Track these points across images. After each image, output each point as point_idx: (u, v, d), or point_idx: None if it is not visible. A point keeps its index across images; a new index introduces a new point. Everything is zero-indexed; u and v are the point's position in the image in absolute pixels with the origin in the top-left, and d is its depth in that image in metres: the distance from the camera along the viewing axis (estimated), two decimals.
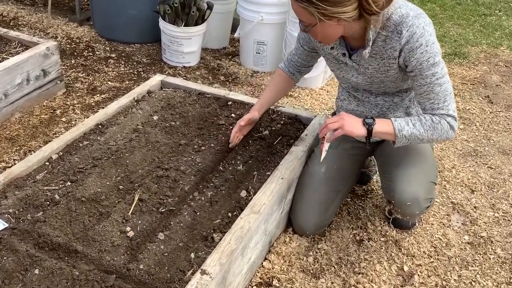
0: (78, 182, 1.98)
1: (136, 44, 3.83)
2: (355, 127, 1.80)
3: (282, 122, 2.39)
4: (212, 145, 2.20)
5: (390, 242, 2.16)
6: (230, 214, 1.86)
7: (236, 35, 3.62)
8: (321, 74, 3.35)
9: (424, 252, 2.13)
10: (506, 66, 3.97)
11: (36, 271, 1.60)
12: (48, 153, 2.13)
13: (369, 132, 1.79)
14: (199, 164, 2.07)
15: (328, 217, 2.14)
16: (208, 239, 1.76)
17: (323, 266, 2.03)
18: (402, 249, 2.13)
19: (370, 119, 1.80)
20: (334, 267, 2.03)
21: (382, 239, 2.18)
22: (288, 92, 2.33)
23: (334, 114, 2.32)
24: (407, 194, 1.95)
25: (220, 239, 1.73)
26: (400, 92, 1.97)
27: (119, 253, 1.68)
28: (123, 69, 3.48)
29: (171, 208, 1.87)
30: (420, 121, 1.77)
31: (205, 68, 3.58)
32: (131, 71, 3.46)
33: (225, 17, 3.81)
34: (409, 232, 2.22)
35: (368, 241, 2.17)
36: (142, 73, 3.45)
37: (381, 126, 1.79)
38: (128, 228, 1.77)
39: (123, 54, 3.68)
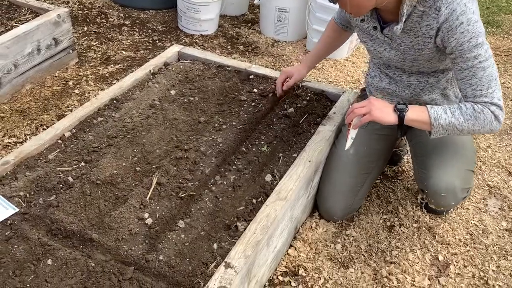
0: (92, 162, 1.86)
1: (151, 11, 3.66)
2: (385, 113, 1.65)
3: (308, 99, 2.24)
4: (234, 123, 2.06)
5: (423, 228, 2.03)
6: (254, 201, 1.74)
7: (256, 1, 3.42)
8: (346, 44, 3.15)
9: (459, 240, 2.00)
10: None
11: (49, 262, 1.50)
12: (61, 131, 2.00)
13: (401, 119, 1.63)
14: (221, 145, 1.94)
15: (357, 202, 2.01)
16: (232, 228, 1.64)
17: (352, 254, 1.91)
18: (436, 236, 2.00)
19: (402, 105, 1.64)
20: (364, 255, 1.91)
21: (414, 225, 2.05)
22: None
23: (363, 90, 2.16)
24: (442, 184, 1.81)
25: (245, 229, 1.61)
26: (436, 73, 1.80)
27: (137, 242, 1.57)
28: (137, 37, 3.32)
29: (191, 193, 1.74)
30: (460, 110, 1.60)
31: (223, 36, 3.41)
32: (145, 39, 3.30)
33: None
34: (443, 217, 2.08)
35: (400, 227, 2.04)
36: (157, 41, 3.29)
37: (415, 113, 1.63)
38: (146, 215, 1.65)
39: (137, 21, 3.51)
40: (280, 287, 1.78)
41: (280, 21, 3.31)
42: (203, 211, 1.68)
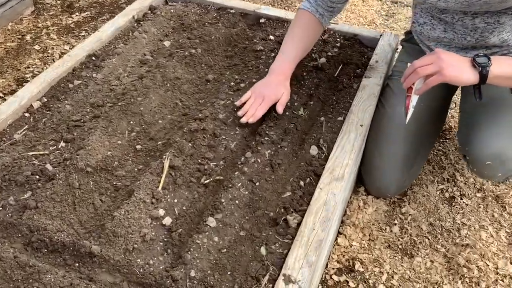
0: (76, 142, 1.38)
1: None
2: (461, 70, 1.23)
3: (338, 45, 1.80)
4: (254, 80, 1.60)
5: (489, 198, 1.67)
6: (302, 183, 1.32)
7: None
8: None
9: None
10: None
11: None
12: (27, 100, 1.50)
13: (483, 77, 1.23)
14: None
15: (414, 174, 1.62)
16: (280, 223, 1.22)
17: (414, 238, 1.54)
18: (507, 207, 1.65)
19: (483, 57, 1.22)
20: (428, 238, 1.54)
21: (478, 194, 1.69)
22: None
23: (408, 33, 1.73)
24: (488, 149, 1.42)
25: (298, 224, 1.20)
26: (510, 9, 1.38)
27: (155, 253, 1.14)
28: None
29: (217, 177, 1.31)
30: None
31: None
32: None
33: None
34: (509, 183, 1.73)
35: (461, 198, 1.67)
36: None
37: (502, 67, 1.22)
38: (161, 212, 1.21)
39: None
40: None
41: None
42: (237, 201, 1.25)
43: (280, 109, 1.47)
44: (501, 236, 1.57)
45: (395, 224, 1.57)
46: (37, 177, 1.29)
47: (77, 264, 1.12)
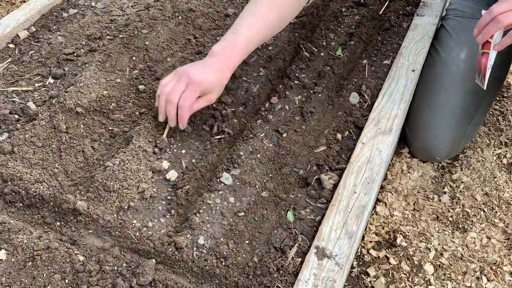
0: (66, 78, 1.15)
1: None
2: None
3: None
4: None
5: None
6: (339, 136, 1.07)
7: None
8: None
9: None
10: None
11: (2, 255, 0.83)
12: (11, 29, 1.26)
13: None
14: (270, 48, 1.24)
15: (470, 134, 1.35)
16: (312, 184, 0.98)
17: (467, 210, 1.29)
18: None
19: None
20: (484, 211, 1.29)
21: None
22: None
23: None
24: None
25: (335, 184, 0.96)
26: None
27: (156, 213, 0.91)
28: None
29: (234, 126, 1.06)
30: None
31: None
32: None
33: None
34: None
35: None
36: None
37: None
38: (165, 164, 0.98)
39: None
40: (375, 266, 1.16)
41: None
42: (259, 155, 1.01)
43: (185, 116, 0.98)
44: None
45: (445, 193, 1.32)
46: (16, 116, 1.06)
47: (58, 223, 0.89)
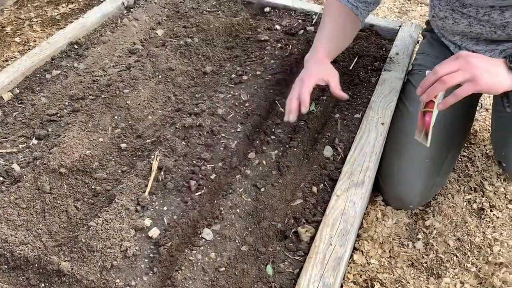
0: (50, 139, 1.18)
1: None
2: (497, 77, 1.01)
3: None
4: (258, 72, 1.41)
5: None
6: (315, 189, 1.11)
7: None
8: None
9: None
10: None
11: None
12: None
13: None
14: (247, 104, 1.29)
15: (439, 182, 1.41)
16: (289, 237, 1.02)
17: (440, 256, 1.34)
18: None
19: None
20: (457, 256, 1.34)
21: (509, 205, 1.49)
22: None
23: (429, 23, 1.54)
24: None
25: (312, 237, 1.00)
26: None
27: (138, 272, 0.93)
28: None
29: (215, 181, 1.10)
30: None
31: None
32: None
33: None
34: None
35: (491, 210, 1.47)
36: None
37: None
38: (147, 222, 1.01)
39: None
40: None
41: None
42: (238, 210, 1.05)
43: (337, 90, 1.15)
44: None
45: (419, 239, 1.37)
46: (1, 178, 1.08)
47: (42, 285, 0.91)
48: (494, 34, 1.27)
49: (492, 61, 1.02)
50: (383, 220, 1.40)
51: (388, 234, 1.36)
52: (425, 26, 1.58)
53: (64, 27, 2.05)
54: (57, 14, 2.16)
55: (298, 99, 1.12)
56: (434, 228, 1.40)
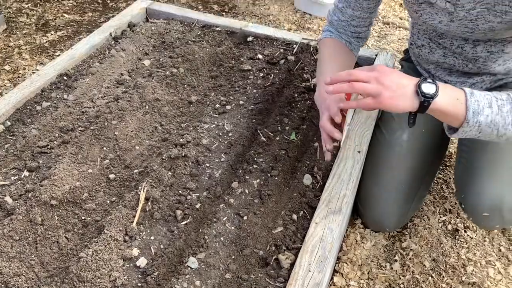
0: (41, 171, 1.23)
1: None
2: (399, 99, 1.03)
3: None
4: (241, 102, 1.47)
5: (495, 231, 1.55)
6: (295, 216, 1.18)
7: None
8: None
9: None
10: None
11: None
12: None
13: (423, 108, 1.04)
14: (230, 134, 1.35)
15: (415, 206, 1.48)
16: (271, 263, 1.07)
17: (417, 276, 1.40)
18: None
19: (431, 85, 1.02)
20: (432, 276, 1.41)
21: None
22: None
23: (406, 52, 1.62)
24: (485, 201, 1.26)
25: (291, 264, 1.06)
26: None
27: None
28: None
29: (201, 210, 1.16)
30: (510, 103, 1.04)
31: None
32: None
33: None
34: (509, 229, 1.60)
35: (465, 231, 1.54)
36: (108, 1, 2.61)
37: (447, 101, 1.03)
38: (135, 252, 1.06)
39: None
40: None
41: None
42: (222, 238, 1.10)
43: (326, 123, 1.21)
44: (510, 272, 1.44)
45: (396, 261, 1.43)
46: None
47: None
48: (465, 67, 1.35)
49: (403, 82, 1.04)
50: (362, 242, 1.46)
51: (366, 256, 1.42)
52: (402, 54, 1.66)
53: (52, 55, 2.11)
54: (46, 42, 2.21)
55: (328, 136, 1.20)
56: (411, 250, 1.47)
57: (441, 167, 1.76)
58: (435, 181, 1.70)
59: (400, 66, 1.65)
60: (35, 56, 2.12)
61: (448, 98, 1.03)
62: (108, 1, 2.60)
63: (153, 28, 1.79)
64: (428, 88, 1.02)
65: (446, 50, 1.36)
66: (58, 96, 1.46)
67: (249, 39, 1.78)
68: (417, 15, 1.27)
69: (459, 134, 1.07)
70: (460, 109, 1.03)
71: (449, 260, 1.46)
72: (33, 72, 2.00)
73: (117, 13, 2.42)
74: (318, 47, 1.46)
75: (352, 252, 1.41)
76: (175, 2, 2.66)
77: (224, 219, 1.14)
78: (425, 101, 1.02)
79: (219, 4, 2.69)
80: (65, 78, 1.54)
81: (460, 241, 1.52)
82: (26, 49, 2.16)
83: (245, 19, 2.56)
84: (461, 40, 1.30)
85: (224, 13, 2.60)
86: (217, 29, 1.81)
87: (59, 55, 2.12)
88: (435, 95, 1.02)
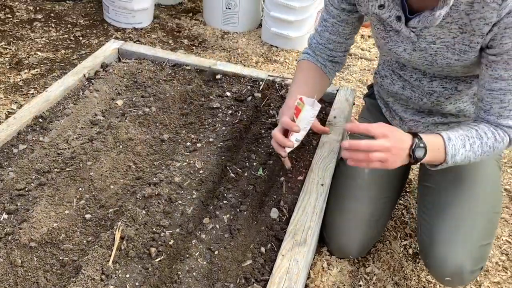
0: (19, 213, 1.28)
1: (68, 1, 3.01)
2: (398, 162, 1.19)
3: None
4: (211, 139, 1.55)
5: None
6: (263, 249, 1.25)
7: None
8: (309, 32, 2.73)
9: (496, 263, 1.64)
10: None
11: None
12: None
13: (412, 164, 1.26)
14: (201, 171, 1.43)
15: (377, 234, 1.57)
16: None
17: None
18: None
19: (421, 149, 1.18)
20: None
21: None
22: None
23: (370, 87, 1.74)
24: (447, 267, 1.34)
25: None
26: (469, 78, 1.39)
27: None
28: (54, 34, 2.68)
29: (174, 247, 1.23)
30: (481, 140, 1.21)
31: (162, 29, 2.85)
32: (66, 36, 2.67)
33: None
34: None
35: None
36: (81, 38, 2.68)
37: (432, 156, 1.20)
38: None
39: (52, 15, 2.86)
40: None
41: (229, 8, 2.81)
42: (195, 273, 1.17)
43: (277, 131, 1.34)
44: None
45: (360, 286, 1.52)
46: None
47: None
48: (420, 100, 1.47)
49: (403, 146, 1.18)
50: (329, 269, 1.54)
51: (333, 282, 1.51)
52: (364, 85, 1.77)
53: (27, 93, 2.17)
54: (20, 80, 2.27)
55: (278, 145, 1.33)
56: (374, 274, 1.56)
57: (402, 193, 1.87)
58: (396, 207, 1.80)
59: (364, 102, 1.77)
60: (9, 95, 2.17)
61: (433, 153, 1.19)
62: (81, 38, 2.67)
63: (125, 68, 1.87)
64: (419, 152, 1.18)
65: (405, 83, 1.48)
66: (34, 138, 1.52)
67: (218, 76, 1.87)
68: (384, 41, 1.37)
69: (438, 168, 1.25)
70: (441, 155, 1.21)
71: (410, 283, 1.55)
72: (8, 112, 2.05)
73: (90, 50, 2.51)
74: (295, 67, 1.56)
75: (319, 279, 1.50)
76: (146, 36, 2.75)
77: (196, 254, 1.21)
78: (415, 161, 1.20)
79: (189, 39, 2.79)
80: (40, 120, 1.60)
81: (420, 264, 1.62)
82: (0, 88, 2.21)
83: (214, 52, 2.66)
84: (420, 73, 1.42)
85: (194, 47, 2.70)
86: (187, 67, 1.90)
87: (33, 93, 2.18)
88: (424, 156, 1.18)
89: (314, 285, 1.48)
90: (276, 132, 1.33)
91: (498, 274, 1.60)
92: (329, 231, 1.52)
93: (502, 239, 1.73)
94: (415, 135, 1.19)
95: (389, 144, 1.15)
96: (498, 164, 1.49)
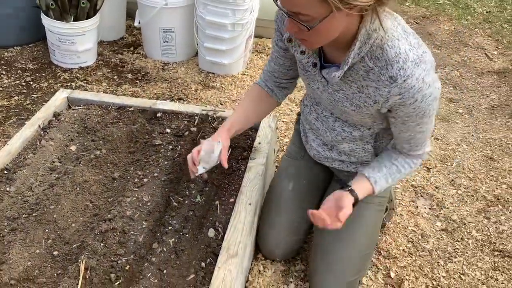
0: None
1: (15, 47, 3.22)
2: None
3: None
4: (156, 174, 1.83)
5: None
6: (203, 264, 1.55)
7: (136, 24, 3.15)
8: (240, 58, 3.04)
9: (403, 250, 1.98)
10: (415, 22, 3.93)
11: None
12: None
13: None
14: (148, 204, 1.71)
15: (301, 239, 1.89)
16: None
17: None
18: (381, 251, 1.97)
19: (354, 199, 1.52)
20: None
21: None
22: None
23: (299, 115, 2.02)
24: None
25: None
26: (363, 127, 1.59)
27: None
28: (6, 81, 2.89)
29: (130, 271, 1.51)
30: (400, 173, 1.57)
31: (106, 66, 3.10)
32: (17, 82, 2.88)
33: (119, 3, 3.31)
34: (382, 230, 2.06)
35: None
36: (31, 83, 2.89)
37: (363, 195, 1.56)
38: None
39: (2, 62, 3.06)
40: None
41: (167, 42, 3.09)
42: None
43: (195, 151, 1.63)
44: (378, 278, 1.87)
45: (291, 282, 1.83)
46: None
47: None
48: (325, 133, 1.69)
49: (350, 211, 1.50)
50: (264, 271, 1.85)
51: (268, 282, 1.81)
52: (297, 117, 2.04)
53: None
54: None
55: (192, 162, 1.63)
56: (302, 271, 1.87)
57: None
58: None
59: (293, 129, 2.04)
60: None
61: (363, 195, 1.55)
62: (31, 83, 2.89)
63: (75, 115, 2.12)
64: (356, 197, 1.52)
65: (318, 115, 1.72)
66: (1, 189, 1.76)
67: (159, 114, 2.14)
68: (304, 76, 1.59)
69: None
70: (370, 193, 1.57)
71: None
72: None
73: (41, 93, 2.73)
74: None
75: (256, 281, 1.80)
76: (92, 75, 2.99)
77: (149, 275, 1.49)
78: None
79: (133, 73, 3.04)
80: (5, 172, 1.84)
81: None
82: None
83: (157, 84, 2.93)
84: (327, 112, 1.66)
85: (138, 81, 2.96)
86: (130, 109, 2.17)
87: None
88: (358, 200, 1.53)
89: (252, 286, 1.78)
90: (189, 156, 1.64)
91: (405, 259, 1.95)
92: (260, 239, 1.84)
93: (409, 229, 2.08)
94: (351, 191, 1.52)
95: (342, 217, 1.47)
96: (380, 208, 1.79)
